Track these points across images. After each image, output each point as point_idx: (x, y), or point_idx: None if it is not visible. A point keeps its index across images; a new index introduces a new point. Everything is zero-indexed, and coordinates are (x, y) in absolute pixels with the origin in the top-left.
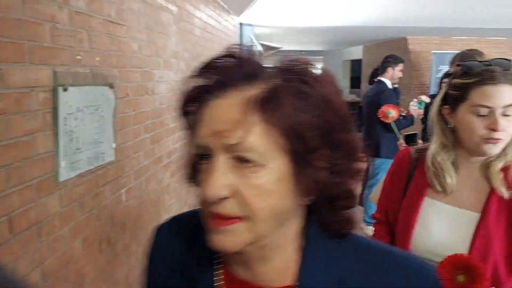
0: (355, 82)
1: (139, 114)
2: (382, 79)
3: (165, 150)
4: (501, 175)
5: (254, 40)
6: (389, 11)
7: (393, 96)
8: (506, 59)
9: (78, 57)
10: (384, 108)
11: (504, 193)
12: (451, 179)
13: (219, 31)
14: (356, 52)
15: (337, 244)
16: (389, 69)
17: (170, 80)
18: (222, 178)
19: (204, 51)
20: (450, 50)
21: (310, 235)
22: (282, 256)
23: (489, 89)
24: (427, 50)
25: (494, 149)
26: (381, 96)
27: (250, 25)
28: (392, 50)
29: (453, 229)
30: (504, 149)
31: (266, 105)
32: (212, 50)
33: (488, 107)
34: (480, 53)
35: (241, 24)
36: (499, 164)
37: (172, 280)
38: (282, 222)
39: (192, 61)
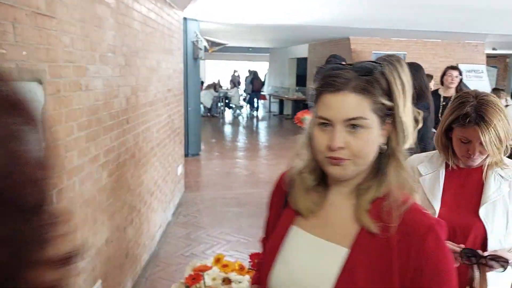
0: (301, 80)
1: (72, 111)
2: None
3: (102, 148)
4: (369, 208)
5: (199, 36)
6: (334, 11)
7: None
8: (372, 62)
9: (2, 51)
10: (299, 114)
11: (373, 228)
12: (304, 203)
13: (161, 26)
14: (302, 50)
15: None
16: None
17: (108, 75)
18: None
19: (145, 46)
20: (389, 50)
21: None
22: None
23: (327, 98)
24: (368, 50)
25: (340, 171)
26: None
27: (195, 20)
28: (336, 49)
29: (318, 264)
30: (377, 177)
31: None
32: (154, 45)
33: (326, 119)
34: (343, 59)
35: (185, 19)
36: (368, 197)
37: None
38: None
39: (132, 56)
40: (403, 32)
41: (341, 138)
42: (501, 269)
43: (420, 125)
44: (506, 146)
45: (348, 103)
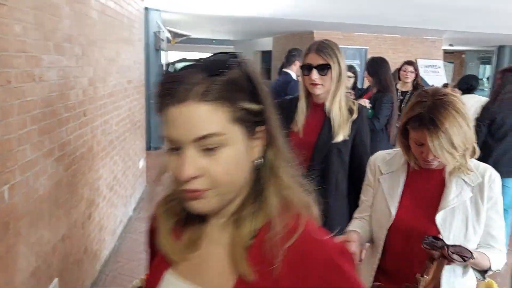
0: (265, 73)
1: (24, 104)
2: (288, 71)
3: (58, 142)
4: (249, 246)
5: (161, 26)
6: (298, 4)
7: (297, 87)
8: (227, 54)
9: None
10: None
11: (250, 277)
12: (170, 246)
13: (121, 15)
14: (267, 43)
15: None
16: (296, 62)
17: (63, 66)
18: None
19: (103, 36)
20: (351, 45)
21: None
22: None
23: (170, 111)
24: None
25: (201, 206)
26: (287, 86)
27: (157, 10)
28: (300, 42)
29: None
30: (256, 201)
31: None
32: (113, 35)
33: (172, 140)
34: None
35: (146, 8)
36: (243, 230)
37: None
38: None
39: (90, 46)
40: (365, 27)
41: (193, 164)
42: (462, 262)
43: (355, 115)
44: (473, 148)
45: (194, 118)
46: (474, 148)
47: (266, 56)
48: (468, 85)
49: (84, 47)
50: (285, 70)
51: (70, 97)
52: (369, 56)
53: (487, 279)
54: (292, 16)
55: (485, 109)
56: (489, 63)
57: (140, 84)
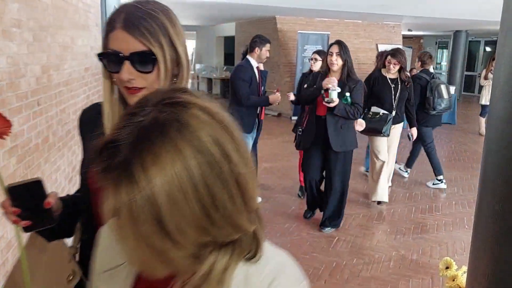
0: (228, 58)
1: None
2: (249, 58)
3: None
4: None
5: None
6: None
7: (245, 72)
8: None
9: None
10: None
11: None
12: None
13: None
14: (229, 29)
15: None
16: (257, 49)
17: (12, 53)
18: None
19: (56, 21)
20: (313, 30)
21: None
22: None
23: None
24: (293, 30)
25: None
26: (237, 70)
27: None
28: (262, 28)
29: None
30: None
31: None
32: (67, 20)
33: None
34: None
35: None
36: None
37: None
38: None
39: (42, 32)
40: (326, 12)
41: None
42: None
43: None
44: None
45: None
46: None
47: (229, 41)
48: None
49: (36, 32)
50: (247, 57)
51: (20, 86)
52: (331, 40)
53: (447, 258)
54: (255, 2)
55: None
56: (446, 47)
57: (98, 71)
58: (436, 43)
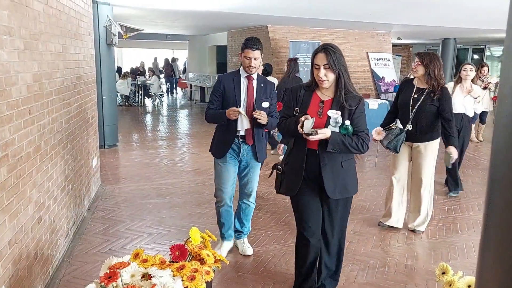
0: (221, 67)
1: None
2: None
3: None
4: None
5: (112, 21)
6: None
7: (220, 81)
8: None
9: None
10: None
11: None
12: None
13: (67, 8)
14: (222, 38)
15: None
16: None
17: (3, 60)
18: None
19: (48, 29)
20: (305, 39)
21: None
22: None
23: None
24: (285, 39)
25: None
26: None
27: (107, 4)
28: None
29: None
30: None
31: None
32: (59, 28)
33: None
34: None
35: (96, 2)
36: None
37: None
38: None
39: (33, 40)
40: (318, 21)
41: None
42: None
43: None
44: None
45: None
46: None
47: (222, 50)
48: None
49: (27, 40)
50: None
51: (12, 94)
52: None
53: (443, 263)
54: (247, 11)
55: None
56: None
57: (91, 80)
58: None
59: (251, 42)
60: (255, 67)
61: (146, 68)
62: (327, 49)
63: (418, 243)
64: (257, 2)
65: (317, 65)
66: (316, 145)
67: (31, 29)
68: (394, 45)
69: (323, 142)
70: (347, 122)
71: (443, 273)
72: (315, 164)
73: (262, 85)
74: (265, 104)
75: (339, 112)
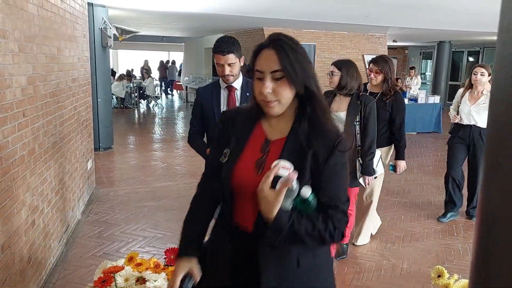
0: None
1: None
2: None
3: None
4: None
5: (108, 23)
6: (248, 1)
7: (199, 94)
8: None
9: None
10: None
11: None
12: None
13: (62, 10)
14: None
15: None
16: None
17: None
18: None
19: (42, 32)
20: (301, 42)
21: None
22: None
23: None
24: None
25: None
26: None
27: (102, 6)
28: (250, 39)
29: None
30: None
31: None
32: (53, 31)
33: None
34: None
35: (91, 4)
36: None
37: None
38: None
39: (28, 43)
40: (313, 24)
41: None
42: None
43: None
44: None
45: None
46: None
47: None
48: None
49: (21, 43)
50: None
51: (6, 97)
52: (317, 51)
53: (438, 266)
54: (242, 13)
55: None
56: (430, 58)
57: (86, 82)
58: (421, 53)
59: (221, 45)
60: (232, 75)
61: (149, 66)
62: (279, 44)
63: (413, 246)
64: (253, 4)
65: (259, 71)
66: (250, 223)
67: (25, 32)
68: (389, 48)
69: (260, 219)
70: (307, 191)
71: (439, 276)
72: (248, 252)
73: (248, 94)
74: None
75: (296, 173)
